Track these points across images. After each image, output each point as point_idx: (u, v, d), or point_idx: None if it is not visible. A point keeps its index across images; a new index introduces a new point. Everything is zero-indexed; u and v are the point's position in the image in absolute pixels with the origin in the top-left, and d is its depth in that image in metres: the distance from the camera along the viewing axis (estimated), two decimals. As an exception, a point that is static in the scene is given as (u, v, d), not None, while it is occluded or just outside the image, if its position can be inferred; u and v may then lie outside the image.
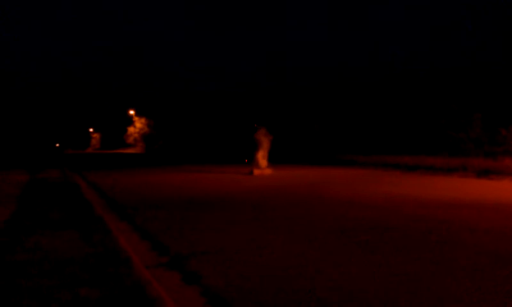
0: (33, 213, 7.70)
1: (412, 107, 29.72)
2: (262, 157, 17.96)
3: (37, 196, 10.43)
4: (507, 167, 15.52)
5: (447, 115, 24.87)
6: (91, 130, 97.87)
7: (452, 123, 24.35)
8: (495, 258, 4.69)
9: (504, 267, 4.36)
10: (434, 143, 24.65)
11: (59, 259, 4.55)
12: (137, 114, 76.16)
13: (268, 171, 17.77)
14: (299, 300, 3.59)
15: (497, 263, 4.50)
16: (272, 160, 18.90)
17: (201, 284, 4.05)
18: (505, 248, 5.12)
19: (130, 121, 78.08)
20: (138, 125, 76.26)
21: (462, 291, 3.70)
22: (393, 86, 33.76)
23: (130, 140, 78.78)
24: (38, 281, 3.83)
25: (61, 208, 8.26)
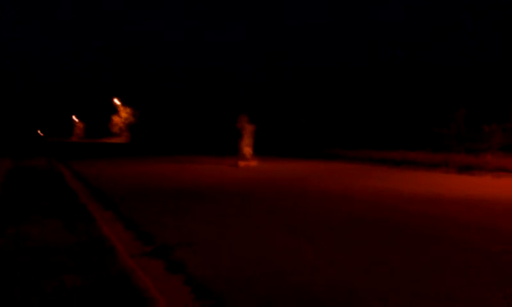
0: (17, 201, 7.62)
1: (398, 104, 30.02)
2: (245, 145, 17.92)
3: (20, 183, 10.31)
4: (488, 163, 15.79)
5: (432, 112, 25.19)
6: (75, 118, 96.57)
7: (437, 119, 24.67)
8: (486, 255, 4.78)
9: (495, 264, 4.45)
10: (419, 139, 24.95)
11: (44, 248, 4.53)
12: (123, 104, 75.48)
13: (254, 163, 17.80)
14: (294, 296, 3.61)
15: (489, 260, 4.59)
16: (258, 152, 18.91)
17: (187, 274, 4.06)
18: (495, 245, 5.22)
19: (115, 110, 77.35)
20: (123, 114, 75.62)
21: (457, 287, 3.78)
22: (381, 83, 34.05)
23: (115, 129, 78.11)
24: (25, 270, 3.81)
25: (45, 197, 8.18)
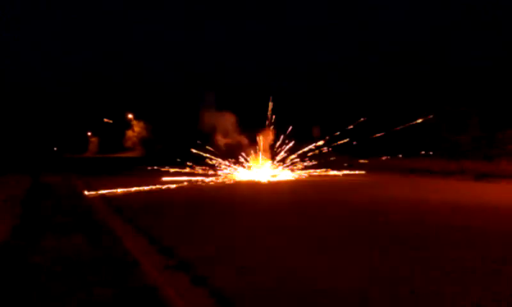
0: (40, 218, 7.82)
1: (408, 109, 29.80)
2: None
3: (41, 200, 10.54)
4: (503, 170, 15.70)
5: (445, 118, 24.99)
6: (89, 133, 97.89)
7: (450, 125, 24.48)
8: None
9: None
10: (432, 146, 24.73)
11: (71, 262, 4.69)
12: (135, 117, 76.06)
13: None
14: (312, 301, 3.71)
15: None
16: None
17: (209, 286, 4.16)
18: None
19: (128, 125, 77.99)
20: (137, 128, 76.23)
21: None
22: (388, 88, 33.86)
23: (129, 144, 78.68)
24: (58, 282, 3.98)
25: (66, 213, 8.38)
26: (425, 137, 25.35)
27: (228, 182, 15.86)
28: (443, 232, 6.39)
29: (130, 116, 76.47)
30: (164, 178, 15.82)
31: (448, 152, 22.70)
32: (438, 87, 28.32)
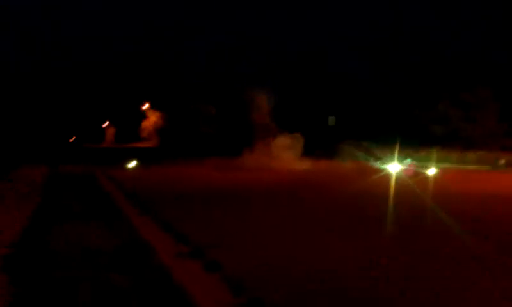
0: (58, 206, 8.01)
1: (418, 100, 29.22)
2: None
3: (60, 188, 10.74)
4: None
5: (461, 106, 24.52)
6: (106, 124, 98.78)
7: (465, 114, 24.04)
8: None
9: None
10: (448, 136, 24.33)
11: (90, 248, 4.82)
12: (151, 107, 76.18)
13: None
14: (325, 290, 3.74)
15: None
16: None
17: (222, 271, 4.23)
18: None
19: (144, 115, 78.20)
20: (153, 118, 76.36)
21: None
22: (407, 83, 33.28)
23: (145, 134, 78.92)
24: (76, 268, 4.10)
25: (84, 201, 8.55)
26: (439, 127, 24.70)
27: None
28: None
29: (146, 105, 76.54)
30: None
31: (466, 142, 22.33)
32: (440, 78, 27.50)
